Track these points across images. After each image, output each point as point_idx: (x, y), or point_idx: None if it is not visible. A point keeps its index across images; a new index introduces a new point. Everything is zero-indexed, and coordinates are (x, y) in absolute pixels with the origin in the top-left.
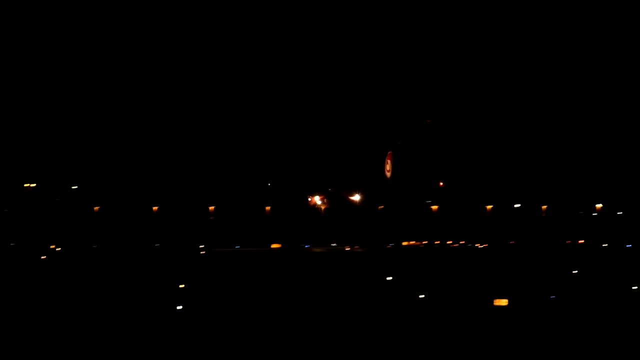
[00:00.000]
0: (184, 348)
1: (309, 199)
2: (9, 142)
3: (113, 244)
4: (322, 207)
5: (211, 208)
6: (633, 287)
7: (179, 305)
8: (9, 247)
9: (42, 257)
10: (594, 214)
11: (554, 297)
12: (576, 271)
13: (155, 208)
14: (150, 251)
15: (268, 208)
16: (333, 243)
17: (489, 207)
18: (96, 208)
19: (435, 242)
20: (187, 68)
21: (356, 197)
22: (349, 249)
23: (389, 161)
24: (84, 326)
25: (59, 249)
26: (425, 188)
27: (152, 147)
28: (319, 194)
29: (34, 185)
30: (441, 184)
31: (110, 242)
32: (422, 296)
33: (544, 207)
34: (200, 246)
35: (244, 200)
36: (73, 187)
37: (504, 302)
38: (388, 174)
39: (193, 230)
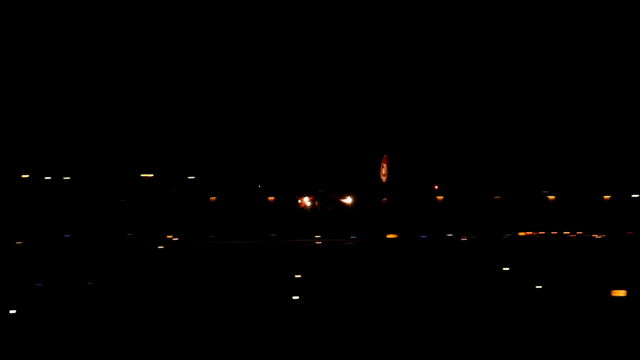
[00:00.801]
0: (299, 335)
1: (299, 200)
2: (127, 135)
3: (227, 234)
4: (309, 207)
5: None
6: None
7: (296, 295)
8: (127, 237)
9: (160, 247)
10: None
11: None
12: None
13: (271, 198)
14: (265, 241)
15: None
16: (449, 233)
17: (607, 197)
18: (213, 198)
19: (552, 233)
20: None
21: (347, 200)
22: (465, 239)
23: (384, 165)
24: (199, 315)
25: (176, 239)
26: (420, 192)
27: (265, 139)
28: (308, 195)
29: (151, 175)
30: (436, 187)
31: (224, 231)
32: (539, 287)
33: None
34: (316, 236)
35: (360, 192)
36: (190, 178)
37: (622, 292)
38: (384, 178)
39: (308, 220)
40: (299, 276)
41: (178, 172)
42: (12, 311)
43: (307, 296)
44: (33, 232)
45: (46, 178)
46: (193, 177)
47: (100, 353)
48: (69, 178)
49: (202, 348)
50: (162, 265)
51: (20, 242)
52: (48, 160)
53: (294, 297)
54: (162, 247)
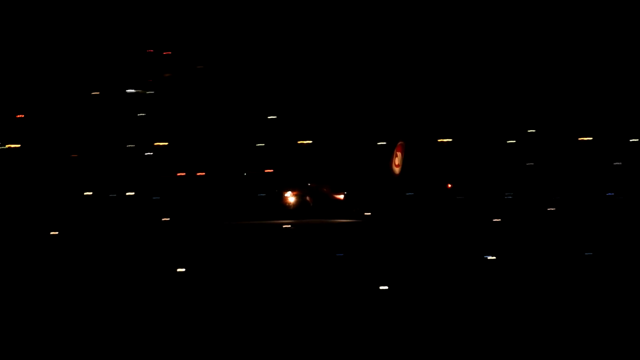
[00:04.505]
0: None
1: (285, 195)
2: None
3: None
4: (292, 204)
5: None
6: None
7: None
8: None
9: None
10: None
11: None
12: None
13: None
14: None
15: None
16: None
17: None
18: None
19: None
20: None
21: (341, 196)
22: None
23: (398, 154)
24: None
25: None
26: (432, 188)
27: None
28: (292, 189)
29: None
30: (449, 185)
31: None
32: None
33: None
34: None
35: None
36: None
37: None
38: (397, 169)
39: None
40: None
41: None
42: None
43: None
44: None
45: None
46: None
47: None
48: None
49: None
50: None
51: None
52: None
53: None
54: None
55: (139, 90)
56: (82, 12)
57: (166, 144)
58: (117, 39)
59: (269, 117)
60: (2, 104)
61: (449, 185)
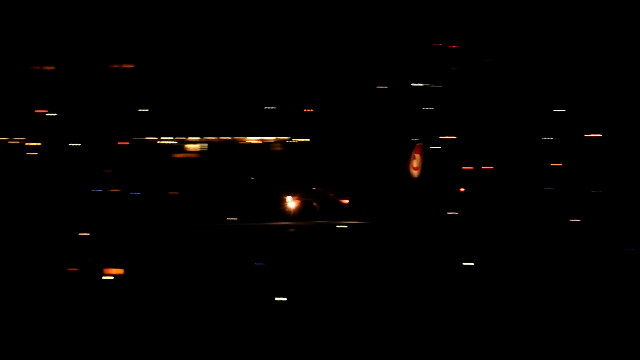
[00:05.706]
0: None
1: (288, 199)
2: None
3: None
4: (293, 211)
5: None
6: None
7: None
8: None
9: None
10: None
11: None
12: None
13: None
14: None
15: None
16: None
17: None
18: None
19: None
20: None
21: (346, 201)
22: None
23: (417, 156)
24: None
25: None
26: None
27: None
28: (293, 194)
29: None
30: (462, 190)
31: None
32: None
33: None
34: None
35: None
36: None
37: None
38: (415, 173)
39: None
40: None
41: None
42: None
43: None
44: None
45: None
46: None
47: None
48: None
49: None
50: None
51: None
52: None
53: None
54: None
55: (426, 84)
56: (364, 9)
57: (454, 137)
58: (404, 33)
59: (555, 111)
60: (290, 99)
61: (462, 190)
